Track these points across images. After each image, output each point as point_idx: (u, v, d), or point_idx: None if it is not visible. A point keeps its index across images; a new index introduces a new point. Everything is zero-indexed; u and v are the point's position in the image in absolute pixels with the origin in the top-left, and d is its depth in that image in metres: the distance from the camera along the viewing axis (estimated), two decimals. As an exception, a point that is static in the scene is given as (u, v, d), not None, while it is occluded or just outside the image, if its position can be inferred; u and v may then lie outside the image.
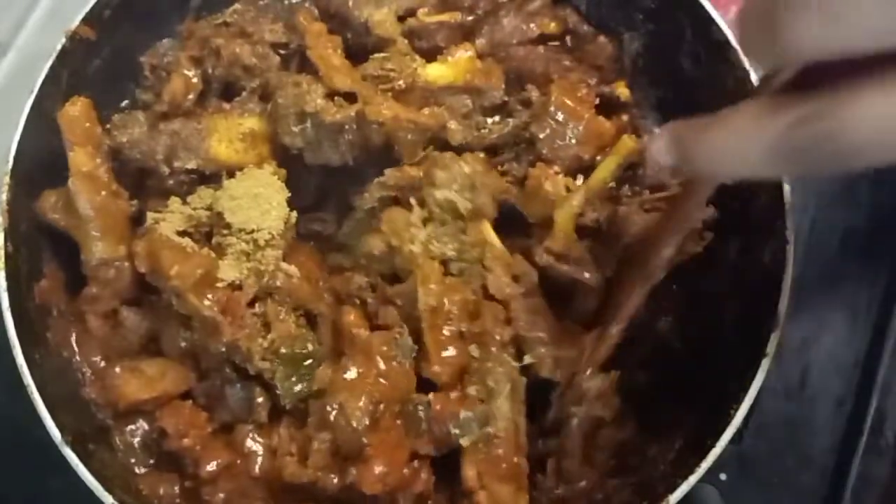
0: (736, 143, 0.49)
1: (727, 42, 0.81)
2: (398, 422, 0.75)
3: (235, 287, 0.78)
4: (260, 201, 0.79)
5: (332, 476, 0.74)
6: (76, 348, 0.81)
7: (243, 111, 0.86)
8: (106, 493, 0.70)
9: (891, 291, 0.97)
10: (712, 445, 0.72)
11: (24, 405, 0.72)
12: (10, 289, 0.75)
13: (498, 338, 0.77)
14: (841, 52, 0.42)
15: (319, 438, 0.74)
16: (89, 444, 0.76)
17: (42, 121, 0.80)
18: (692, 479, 0.71)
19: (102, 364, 0.81)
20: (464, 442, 0.75)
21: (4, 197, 0.77)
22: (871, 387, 0.94)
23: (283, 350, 0.77)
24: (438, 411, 0.75)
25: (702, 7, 0.83)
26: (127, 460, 0.79)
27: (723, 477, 0.90)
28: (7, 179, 0.78)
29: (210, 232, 0.81)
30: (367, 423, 0.73)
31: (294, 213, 0.81)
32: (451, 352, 0.77)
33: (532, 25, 0.90)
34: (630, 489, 0.78)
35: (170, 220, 0.80)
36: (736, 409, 0.73)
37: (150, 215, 0.81)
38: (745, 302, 0.81)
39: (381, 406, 0.75)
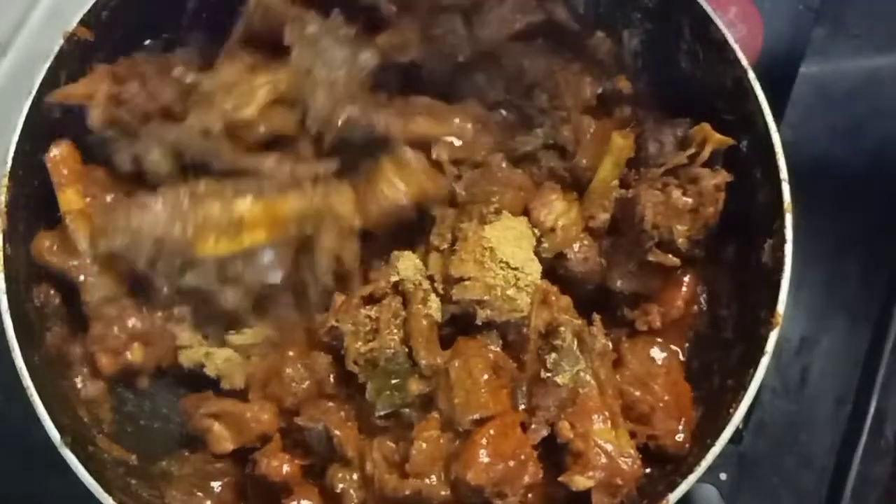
0: None
1: (725, 41, 0.81)
2: (504, 390, 0.76)
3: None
4: None
5: (434, 478, 0.72)
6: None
7: (237, 191, 0.79)
8: (105, 494, 0.70)
9: (891, 291, 0.97)
10: (712, 445, 0.72)
11: (23, 406, 0.72)
12: (9, 291, 0.75)
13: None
14: None
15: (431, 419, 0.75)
16: (88, 445, 0.77)
17: (40, 123, 0.80)
18: (692, 479, 0.72)
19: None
20: (560, 380, 0.76)
21: (3, 199, 0.77)
22: (871, 387, 0.93)
23: (380, 363, 0.78)
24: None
25: (700, 7, 0.82)
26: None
27: (723, 477, 0.90)
28: (6, 181, 0.77)
29: None
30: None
31: None
32: None
33: (518, 15, 0.88)
34: (630, 488, 0.78)
35: None
36: (735, 409, 0.73)
37: None
38: (744, 302, 0.81)
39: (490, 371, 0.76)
